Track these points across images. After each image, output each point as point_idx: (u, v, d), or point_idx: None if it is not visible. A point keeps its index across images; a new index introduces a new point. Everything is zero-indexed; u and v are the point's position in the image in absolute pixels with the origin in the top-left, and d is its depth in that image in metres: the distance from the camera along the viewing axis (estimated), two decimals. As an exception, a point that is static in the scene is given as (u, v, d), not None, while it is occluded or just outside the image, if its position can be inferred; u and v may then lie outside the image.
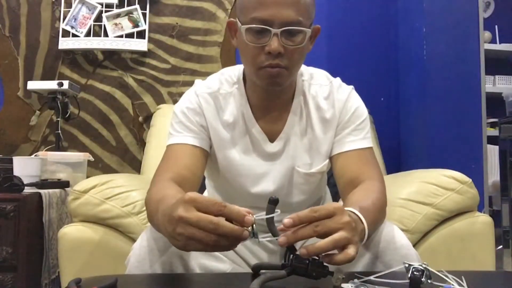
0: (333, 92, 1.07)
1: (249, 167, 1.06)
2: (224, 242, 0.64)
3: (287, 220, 0.66)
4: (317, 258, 0.69)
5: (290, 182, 1.08)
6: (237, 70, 1.09)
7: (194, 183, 0.99)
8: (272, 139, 1.06)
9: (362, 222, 0.76)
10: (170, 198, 0.77)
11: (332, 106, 1.06)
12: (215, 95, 1.06)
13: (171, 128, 1.05)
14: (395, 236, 0.87)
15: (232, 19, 1.00)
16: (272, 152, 1.06)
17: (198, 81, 1.11)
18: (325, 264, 0.69)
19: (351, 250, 0.67)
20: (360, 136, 1.04)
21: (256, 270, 0.81)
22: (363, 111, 1.07)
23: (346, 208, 0.74)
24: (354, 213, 0.76)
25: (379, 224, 0.89)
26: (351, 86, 1.10)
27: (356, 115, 1.06)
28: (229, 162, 1.07)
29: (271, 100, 1.04)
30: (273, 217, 0.68)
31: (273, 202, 0.69)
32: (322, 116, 1.06)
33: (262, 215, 0.68)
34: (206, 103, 1.06)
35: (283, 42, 0.91)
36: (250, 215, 0.65)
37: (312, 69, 1.11)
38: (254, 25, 0.91)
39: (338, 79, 1.11)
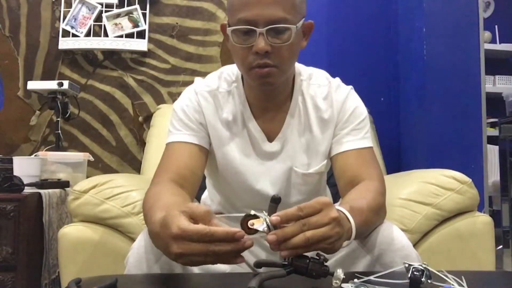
0: (331, 92, 1.07)
1: (247, 166, 1.06)
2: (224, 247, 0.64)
3: (274, 218, 0.67)
4: (317, 258, 0.69)
5: (288, 182, 1.08)
6: (236, 68, 1.09)
7: (194, 182, 0.99)
8: (270, 138, 1.06)
9: (349, 221, 0.76)
10: (158, 210, 0.77)
11: (331, 106, 1.06)
12: (214, 94, 1.07)
13: (170, 125, 1.06)
14: (395, 237, 0.86)
15: (225, 22, 1.00)
16: (270, 152, 1.06)
17: (197, 79, 1.11)
18: (325, 264, 0.69)
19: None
20: (359, 136, 1.04)
21: (258, 267, 0.81)
22: (362, 111, 1.07)
23: (336, 207, 0.74)
24: (342, 212, 0.76)
25: (375, 224, 0.89)
26: (350, 86, 1.10)
27: (355, 115, 1.05)
28: (227, 161, 1.07)
29: (268, 100, 1.04)
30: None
31: (275, 201, 0.69)
32: (320, 116, 1.06)
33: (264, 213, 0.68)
34: (205, 101, 1.06)
35: (269, 40, 0.91)
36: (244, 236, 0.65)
37: (311, 69, 1.11)
38: (239, 26, 0.92)
39: (337, 79, 1.11)
